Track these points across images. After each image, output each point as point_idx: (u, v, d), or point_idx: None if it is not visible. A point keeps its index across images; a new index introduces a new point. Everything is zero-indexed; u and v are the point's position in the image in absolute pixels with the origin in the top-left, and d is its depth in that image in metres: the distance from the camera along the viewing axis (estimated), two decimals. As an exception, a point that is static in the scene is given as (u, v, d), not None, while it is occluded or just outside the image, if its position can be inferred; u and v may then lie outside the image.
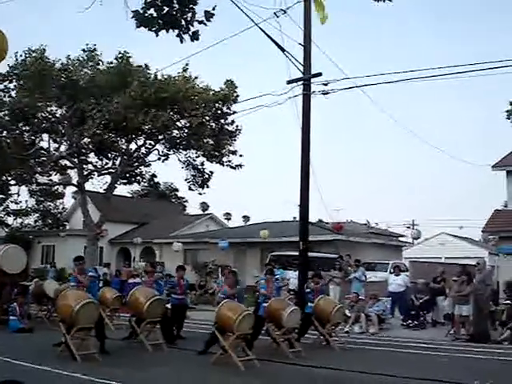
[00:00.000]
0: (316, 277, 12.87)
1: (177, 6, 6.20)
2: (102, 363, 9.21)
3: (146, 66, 26.56)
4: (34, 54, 25.45)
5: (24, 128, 27.73)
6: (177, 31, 6.48)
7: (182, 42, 6.42)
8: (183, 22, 6.31)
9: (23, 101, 25.41)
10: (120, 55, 26.02)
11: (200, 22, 6.30)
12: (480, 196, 74.62)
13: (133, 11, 6.28)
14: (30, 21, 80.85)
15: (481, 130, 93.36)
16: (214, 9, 6.28)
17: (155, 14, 6.41)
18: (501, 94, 64.92)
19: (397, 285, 16.72)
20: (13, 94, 26.70)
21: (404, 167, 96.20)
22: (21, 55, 25.45)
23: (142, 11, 6.42)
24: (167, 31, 6.41)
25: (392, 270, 18.99)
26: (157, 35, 6.40)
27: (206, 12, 6.26)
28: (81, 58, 26.28)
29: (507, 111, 30.10)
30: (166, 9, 6.24)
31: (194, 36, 6.43)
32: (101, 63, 26.51)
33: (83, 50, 26.30)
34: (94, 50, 26.50)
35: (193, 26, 6.33)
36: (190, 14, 6.24)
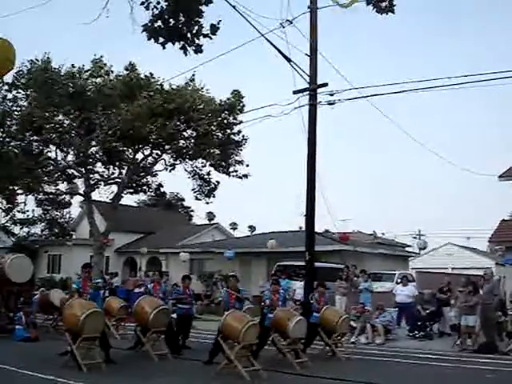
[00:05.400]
0: (320, 286, 12.80)
1: (183, 18, 6.27)
2: (108, 373, 9.21)
3: (151, 74, 26.76)
4: (38, 63, 25.65)
5: (32, 138, 27.90)
6: (182, 43, 6.55)
7: (186, 54, 6.48)
8: (189, 35, 6.38)
9: (31, 110, 25.61)
10: (129, 66, 26.27)
11: (205, 36, 6.37)
12: (487, 206, 74.22)
13: (143, 25, 6.36)
14: (33, 27, 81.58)
15: (488, 139, 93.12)
16: (219, 23, 6.35)
17: (162, 26, 6.48)
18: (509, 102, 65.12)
19: (404, 295, 16.59)
20: (21, 103, 26.95)
21: (411, 177, 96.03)
22: (25, 64, 25.68)
23: (149, 24, 6.50)
24: (173, 43, 6.48)
25: (399, 281, 18.86)
26: (163, 48, 6.48)
27: (211, 26, 6.33)
28: (89, 68, 26.49)
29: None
30: (173, 21, 6.31)
31: (198, 49, 6.49)
32: (110, 73, 26.72)
33: (92, 61, 26.50)
34: (100, 60, 26.72)
35: (198, 39, 6.40)
36: (196, 27, 6.30)
